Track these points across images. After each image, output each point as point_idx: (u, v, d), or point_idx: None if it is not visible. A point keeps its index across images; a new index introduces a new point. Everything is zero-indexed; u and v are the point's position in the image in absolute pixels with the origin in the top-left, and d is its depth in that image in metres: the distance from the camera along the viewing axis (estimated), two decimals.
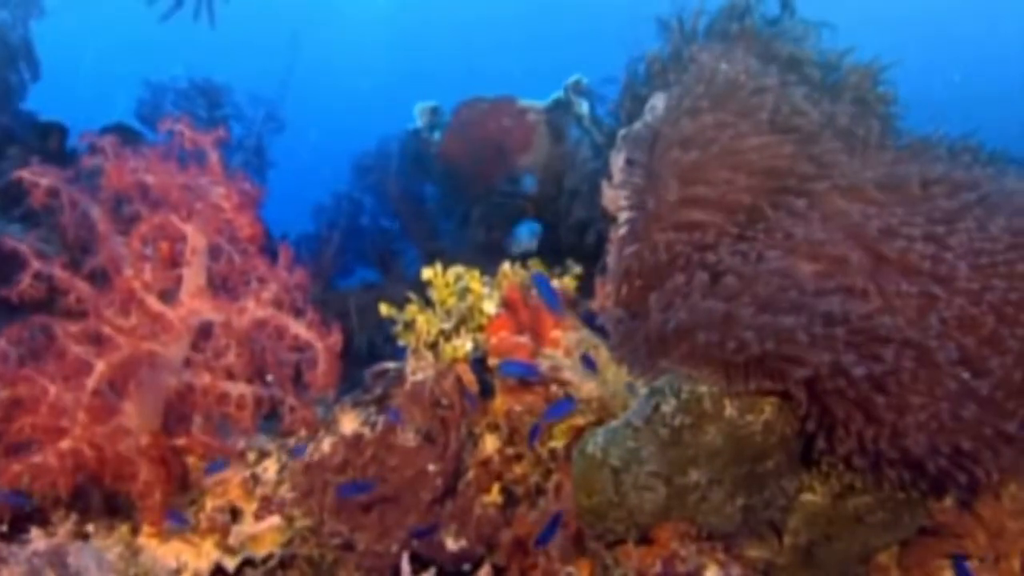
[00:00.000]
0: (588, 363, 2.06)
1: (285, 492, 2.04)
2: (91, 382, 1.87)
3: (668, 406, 1.81)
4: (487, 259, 2.51)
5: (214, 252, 1.96)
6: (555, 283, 2.28)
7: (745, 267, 1.83)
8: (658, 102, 2.18)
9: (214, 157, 1.92)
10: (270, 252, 1.99)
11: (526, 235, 2.80)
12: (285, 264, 1.96)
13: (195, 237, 1.93)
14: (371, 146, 4.67)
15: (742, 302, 1.75)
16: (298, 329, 1.93)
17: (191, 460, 2.08)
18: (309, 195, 4.40)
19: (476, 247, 3.90)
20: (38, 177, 1.96)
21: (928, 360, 1.68)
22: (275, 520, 2.03)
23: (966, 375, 1.67)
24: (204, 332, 2.00)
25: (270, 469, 2.09)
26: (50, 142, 3.84)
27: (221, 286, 1.98)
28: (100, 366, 1.87)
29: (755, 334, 1.68)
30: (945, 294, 1.75)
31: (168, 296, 1.97)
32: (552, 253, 2.91)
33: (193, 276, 1.95)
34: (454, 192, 4.20)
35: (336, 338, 1.94)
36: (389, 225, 4.43)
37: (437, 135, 4.27)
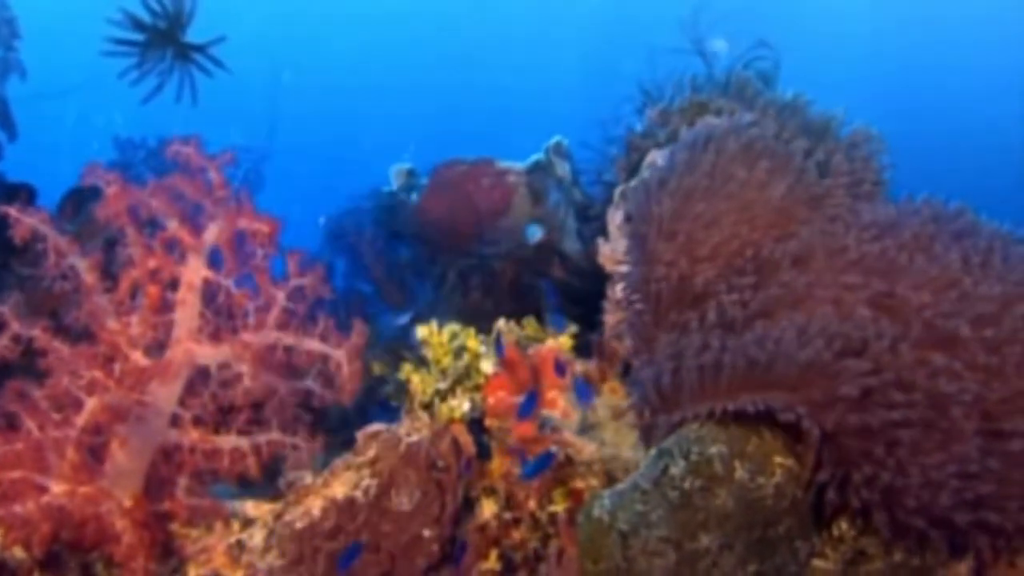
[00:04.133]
0: (582, 392, 2.02)
1: (273, 560, 1.94)
2: (81, 419, 1.78)
3: (677, 468, 1.75)
4: (464, 322, 2.46)
5: (210, 288, 1.92)
6: (550, 342, 2.24)
7: (743, 316, 1.81)
8: (657, 158, 2.16)
9: (219, 178, 1.88)
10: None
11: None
12: (294, 272, 1.92)
13: (192, 272, 1.87)
14: (343, 206, 4.64)
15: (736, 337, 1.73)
16: (310, 344, 1.88)
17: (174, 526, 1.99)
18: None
19: (453, 310, 3.84)
20: (24, 216, 1.90)
21: (943, 406, 1.65)
22: None
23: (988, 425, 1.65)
24: (194, 384, 1.93)
25: (256, 536, 1.99)
26: (17, 203, 3.76)
27: (220, 318, 1.94)
28: (91, 403, 1.79)
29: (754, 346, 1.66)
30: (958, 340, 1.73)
31: (156, 348, 1.91)
32: (536, 313, 2.87)
33: (188, 316, 1.88)
34: (430, 254, 4.15)
35: (356, 340, 1.91)
36: (363, 288, 4.37)
37: (414, 197, 4.24)
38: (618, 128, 3.12)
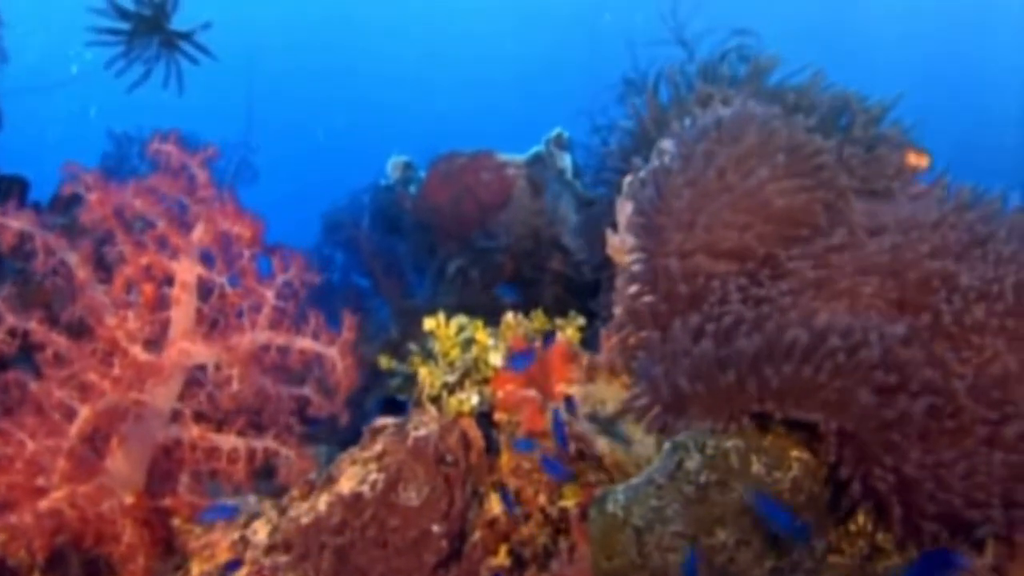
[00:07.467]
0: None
1: (278, 556, 1.90)
2: (74, 428, 1.73)
3: (693, 462, 1.73)
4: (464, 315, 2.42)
5: (204, 286, 1.88)
6: (559, 336, 2.20)
7: (756, 315, 1.78)
8: (667, 146, 2.12)
9: (203, 175, 1.83)
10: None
11: None
12: (279, 268, 1.88)
13: (185, 271, 1.82)
14: (341, 200, 4.60)
15: (750, 343, 1.70)
16: (302, 343, 1.85)
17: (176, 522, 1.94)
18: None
19: (451, 303, 3.80)
20: (9, 220, 1.84)
21: (953, 401, 1.64)
22: None
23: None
24: (193, 381, 1.89)
25: (260, 531, 1.95)
26: (9, 197, 3.70)
27: (215, 318, 1.89)
28: (84, 411, 1.75)
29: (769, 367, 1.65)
30: (959, 331, 1.72)
31: (153, 344, 1.86)
32: (534, 307, 2.83)
33: (183, 315, 1.84)
34: (428, 247, 4.11)
35: (347, 335, 1.88)
36: (360, 282, 4.32)
37: (412, 189, 4.19)
38: (603, 118, 3.11)
